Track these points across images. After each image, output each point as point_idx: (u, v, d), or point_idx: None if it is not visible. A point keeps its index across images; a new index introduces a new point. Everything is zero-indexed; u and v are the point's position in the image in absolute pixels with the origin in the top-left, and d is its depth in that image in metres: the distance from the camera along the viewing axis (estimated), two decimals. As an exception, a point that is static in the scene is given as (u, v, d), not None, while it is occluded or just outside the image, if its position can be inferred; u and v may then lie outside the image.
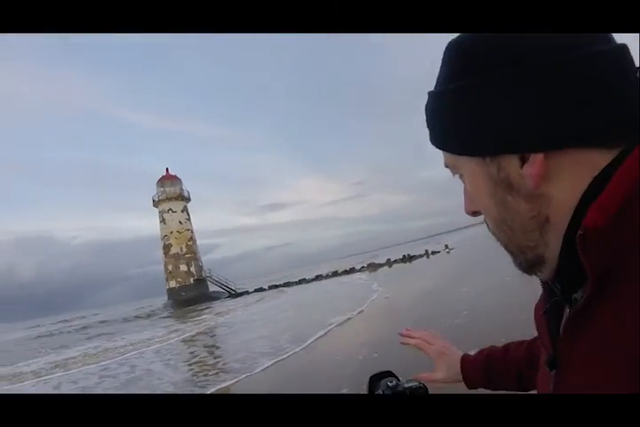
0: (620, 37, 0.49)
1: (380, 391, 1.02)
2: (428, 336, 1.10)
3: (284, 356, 8.49)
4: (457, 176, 0.60)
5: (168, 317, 29.60)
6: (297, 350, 8.84)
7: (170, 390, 7.75)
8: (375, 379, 1.08)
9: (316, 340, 9.42)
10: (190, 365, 10.19)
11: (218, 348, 12.36)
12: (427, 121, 0.58)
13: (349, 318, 11.58)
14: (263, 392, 6.14)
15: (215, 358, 10.40)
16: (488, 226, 0.58)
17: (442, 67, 0.55)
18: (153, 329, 21.36)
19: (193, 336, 15.27)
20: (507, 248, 0.57)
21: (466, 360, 1.02)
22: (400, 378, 1.07)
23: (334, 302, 17.75)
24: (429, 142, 0.59)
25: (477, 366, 1.00)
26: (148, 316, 34.65)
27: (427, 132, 0.59)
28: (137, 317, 33.84)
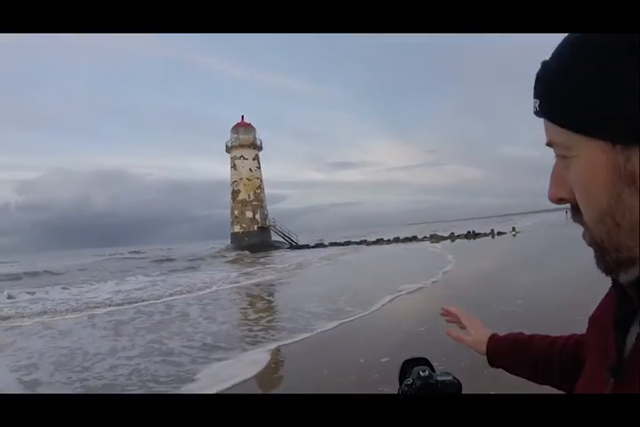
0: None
1: (411, 380, 0.99)
2: (461, 313, 1.18)
3: (348, 319, 8.22)
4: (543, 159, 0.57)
5: (230, 261, 30.14)
6: (364, 313, 8.54)
7: (203, 339, 7.48)
8: (408, 365, 1.05)
9: (382, 306, 9.18)
10: (232, 316, 9.79)
11: (270, 302, 12.13)
12: (542, 90, 0.52)
13: (421, 288, 11.13)
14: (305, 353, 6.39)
15: (264, 313, 10.08)
16: (575, 216, 0.55)
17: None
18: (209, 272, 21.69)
19: (247, 286, 14.98)
20: (598, 243, 0.52)
21: (493, 337, 1.07)
22: (435, 369, 1.03)
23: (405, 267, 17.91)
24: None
25: (502, 345, 1.04)
26: (212, 257, 35.53)
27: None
28: (199, 258, 35.15)
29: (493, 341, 1.06)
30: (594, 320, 0.69)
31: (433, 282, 11.85)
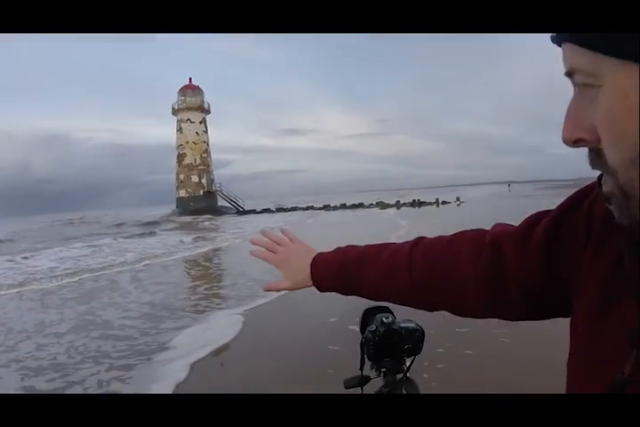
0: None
1: (374, 326, 0.99)
2: (272, 245, 0.97)
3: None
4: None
5: (173, 229, 28.87)
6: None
7: (133, 308, 7.15)
8: (370, 313, 1.04)
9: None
10: (165, 285, 9.09)
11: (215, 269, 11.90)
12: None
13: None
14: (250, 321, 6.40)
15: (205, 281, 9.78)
16: (594, 161, 0.46)
17: None
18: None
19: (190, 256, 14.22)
20: (626, 192, 0.43)
21: (317, 262, 0.90)
22: (396, 316, 1.03)
23: (355, 233, 18.00)
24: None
25: (329, 270, 0.88)
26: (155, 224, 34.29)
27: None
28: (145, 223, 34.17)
29: (317, 268, 0.89)
30: (589, 267, 0.56)
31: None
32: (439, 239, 0.79)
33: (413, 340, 1.01)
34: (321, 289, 0.90)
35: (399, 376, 1.03)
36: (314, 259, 0.90)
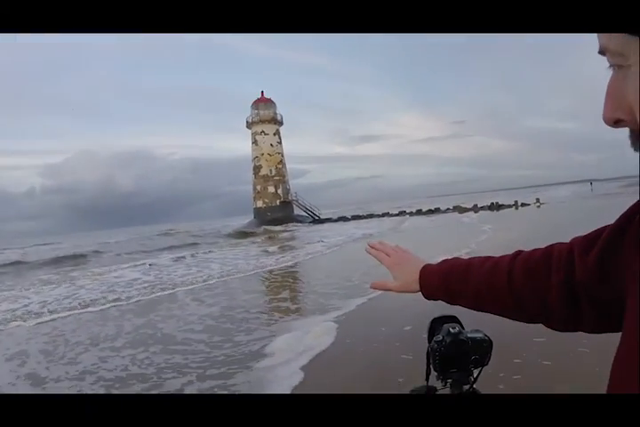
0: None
1: (441, 337, 0.97)
2: (389, 249, 1.04)
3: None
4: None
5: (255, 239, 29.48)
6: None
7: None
8: (437, 322, 1.02)
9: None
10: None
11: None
12: None
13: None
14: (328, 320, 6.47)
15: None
16: (636, 143, 0.46)
17: None
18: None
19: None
20: None
21: (426, 270, 0.94)
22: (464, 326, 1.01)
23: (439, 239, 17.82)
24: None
25: (436, 277, 0.91)
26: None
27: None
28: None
29: (425, 274, 0.94)
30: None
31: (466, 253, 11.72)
32: (535, 251, 0.81)
33: (481, 351, 0.98)
34: (426, 295, 0.94)
35: (466, 388, 1.01)
36: (424, 266, 0.95)
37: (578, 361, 3.90)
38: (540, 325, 0.81)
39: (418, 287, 0.94)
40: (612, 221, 0.65)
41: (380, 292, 7.23)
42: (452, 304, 0.91)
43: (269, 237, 28.61)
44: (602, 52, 0.45)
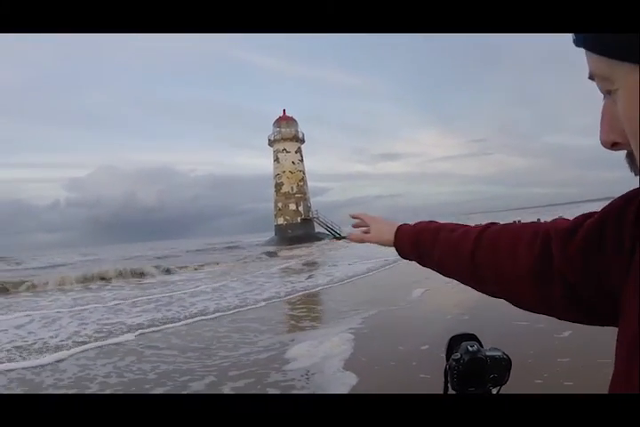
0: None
1: (459, 355, 0.95)
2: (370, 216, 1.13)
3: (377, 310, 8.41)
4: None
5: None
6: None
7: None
8: (456, 340, 1.01)
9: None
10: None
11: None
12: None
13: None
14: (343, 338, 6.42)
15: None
16: (632, 166, 0.48)
17: None
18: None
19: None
20: None
21: (401, 228, 1.01)
22: (483, 344, 1.00)
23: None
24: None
25: (407, 235, 0.97)
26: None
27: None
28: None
29: (399, 232, 1.00)
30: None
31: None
32: (507, 227, 0.83)
33: (499, 369, 0.96)
34: (400, 252, 1.01)
35: None
36: (400, 225, 1.02)
37: (603, 383, 3.78)
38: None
39: (392, 241, 1.01)
40: None
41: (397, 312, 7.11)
42: (422, 266, 0.95)
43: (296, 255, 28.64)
44: (592, 77, 0.47)
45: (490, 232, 0.82)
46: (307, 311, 8.88)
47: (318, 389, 4.49)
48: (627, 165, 0.49)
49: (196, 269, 21.33)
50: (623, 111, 0.44)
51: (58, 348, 6.84)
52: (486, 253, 0.80)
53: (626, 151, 0.48)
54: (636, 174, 0.48)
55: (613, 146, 0.48)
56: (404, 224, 1.02)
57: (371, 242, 1.07)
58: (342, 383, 4.52)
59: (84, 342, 7.11)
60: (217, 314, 8.82)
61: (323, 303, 9.91)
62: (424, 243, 0.93)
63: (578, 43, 0.46)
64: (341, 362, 5.19)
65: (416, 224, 1.00)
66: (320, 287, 11.59)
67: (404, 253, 0.99)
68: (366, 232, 1.10)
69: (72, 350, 6.62)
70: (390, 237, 1.01)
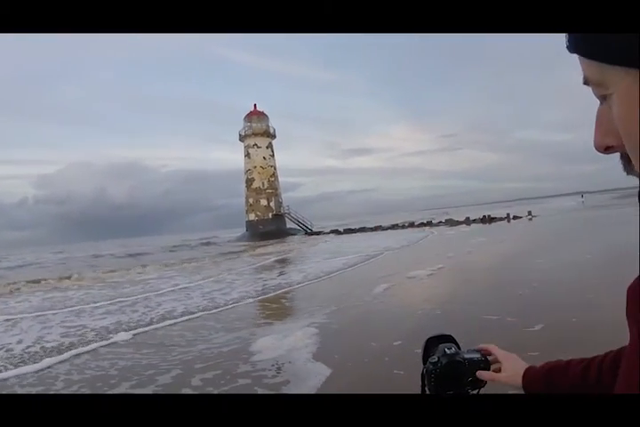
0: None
1: (436, 357, 0.94)
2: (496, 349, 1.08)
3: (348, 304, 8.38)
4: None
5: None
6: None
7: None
8: (433, 342, 1.00)
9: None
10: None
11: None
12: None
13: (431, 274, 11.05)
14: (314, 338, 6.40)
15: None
16: (627, 167, 0.48)
17: None
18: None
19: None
20: None
21: (529, 370, 0.97)
22: (460, 346, 0.99)
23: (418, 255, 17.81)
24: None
25: (538, 378, 0.94)
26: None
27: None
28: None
29: (528, 375, 0.96)
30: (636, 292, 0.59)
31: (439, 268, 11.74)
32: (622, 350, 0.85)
33: (477, 371, 0.96)
34: (526, 387, 0.96)
35: None
36: (527, 369, 0.98)
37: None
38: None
39: (520, 382, 0.97)
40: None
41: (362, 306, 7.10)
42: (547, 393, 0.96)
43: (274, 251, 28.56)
44: (586, 82, 0.48)
45: (609, 357, 0.87)
46: (274, 311, 8.85)
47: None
48: (620, 165, 0.50)
49: (167, 266, 21.08)
50: (618, 115, 0.44)
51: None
52: (609, 377, 0.82)
53: (619, 153, 0.49)
54: (628, 174, 0.49)
55: (607, 149, 0.49)
56: (531, 367, 0.98)
57: (501, 383, 0.99)
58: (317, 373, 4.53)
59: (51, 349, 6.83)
60: (185, 317, 8.49)
61: (294, 300, 9.86)
62: (556, 375, 0.93)
63: (571, 49, 0.46)
64: (309, 354, 5.19)
65: (544, 364, 0.98)
66: (292, 287, 11.52)
67: (529, 387, 0.97)
68: (497, 369, 1.02)
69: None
70: (519, 375, 0.97)
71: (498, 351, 1.04)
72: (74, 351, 6.41)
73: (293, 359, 5.23)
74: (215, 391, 4.41)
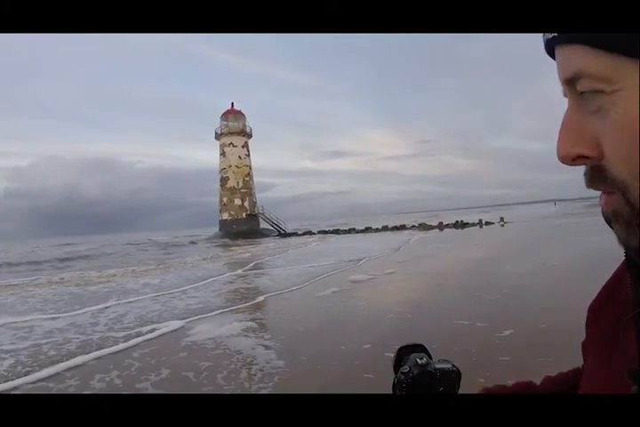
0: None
1: (407, 367, 0.94)
2: None
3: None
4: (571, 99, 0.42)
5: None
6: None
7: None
8: (404, 352, 0.99)
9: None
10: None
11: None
12: None
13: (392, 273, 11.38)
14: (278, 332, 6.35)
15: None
16: (594, 180, 0.43)
17: None
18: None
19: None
20: (634, 204, 0.40)
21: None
22: (432, 356, 0.97)
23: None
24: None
25: None
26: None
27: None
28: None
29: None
30: (597, 310, 0.57)
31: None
32: None
33: (449, 382, 0.94)
34: None
35: None
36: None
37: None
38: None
39: None
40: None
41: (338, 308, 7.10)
42: None
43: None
44: (572, 79, 0.41)
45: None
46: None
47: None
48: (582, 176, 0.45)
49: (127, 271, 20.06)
50: (625, 116, 0.37)
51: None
52: None
53: (585, 167, 0.43)
54: (589, 187, 0.44)
55: (575, 160, 0.42)
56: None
57: None
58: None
59: None
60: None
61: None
62: None
63: (566, 39, 0.41)
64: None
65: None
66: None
67: None
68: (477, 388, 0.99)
69: None
70: None
71: None
72: None
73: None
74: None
